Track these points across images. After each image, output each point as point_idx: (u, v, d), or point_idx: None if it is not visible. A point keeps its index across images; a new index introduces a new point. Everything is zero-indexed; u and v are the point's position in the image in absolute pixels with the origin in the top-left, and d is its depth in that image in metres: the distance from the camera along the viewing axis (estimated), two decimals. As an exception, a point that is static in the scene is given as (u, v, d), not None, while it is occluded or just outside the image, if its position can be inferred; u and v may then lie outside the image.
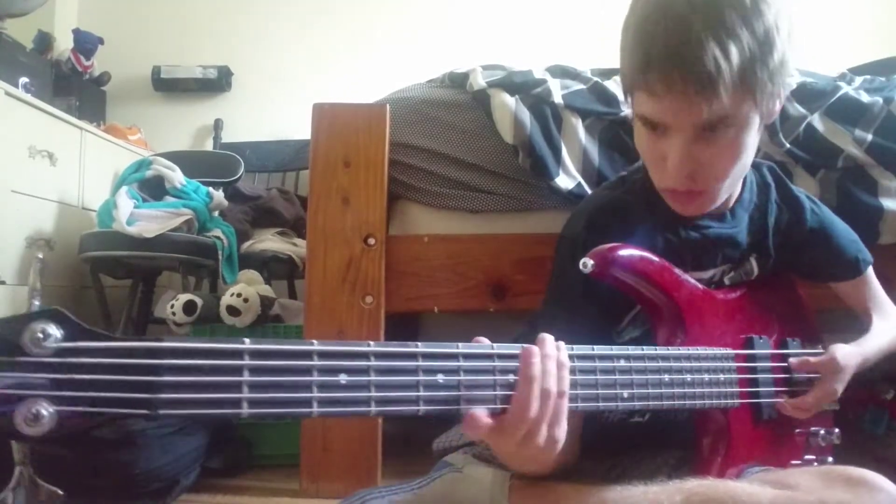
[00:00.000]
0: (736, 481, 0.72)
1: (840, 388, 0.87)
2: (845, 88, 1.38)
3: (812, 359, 0.88)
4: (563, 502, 0.72)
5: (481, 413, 0.54)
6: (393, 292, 1.42)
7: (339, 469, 1.39)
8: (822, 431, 0.92)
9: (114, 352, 0.40)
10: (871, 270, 1.04)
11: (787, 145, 1.33)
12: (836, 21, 2.75)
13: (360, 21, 2.86)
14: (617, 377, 0.67)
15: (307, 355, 0.47)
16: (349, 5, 2.88)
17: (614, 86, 1.45)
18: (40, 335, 0.38)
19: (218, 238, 2.01)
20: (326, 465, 1.39)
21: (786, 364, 0.89)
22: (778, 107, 0.80)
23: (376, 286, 1.40)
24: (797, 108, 1.35)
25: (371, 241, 1.41)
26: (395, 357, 0.51)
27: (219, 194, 2.12)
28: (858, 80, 1.48)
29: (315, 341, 0.48)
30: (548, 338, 0.61)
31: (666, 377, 0.71)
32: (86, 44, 2.61)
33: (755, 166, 0.98)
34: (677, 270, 0.83)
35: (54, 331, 0.38)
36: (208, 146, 2.78)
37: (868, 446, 1.00)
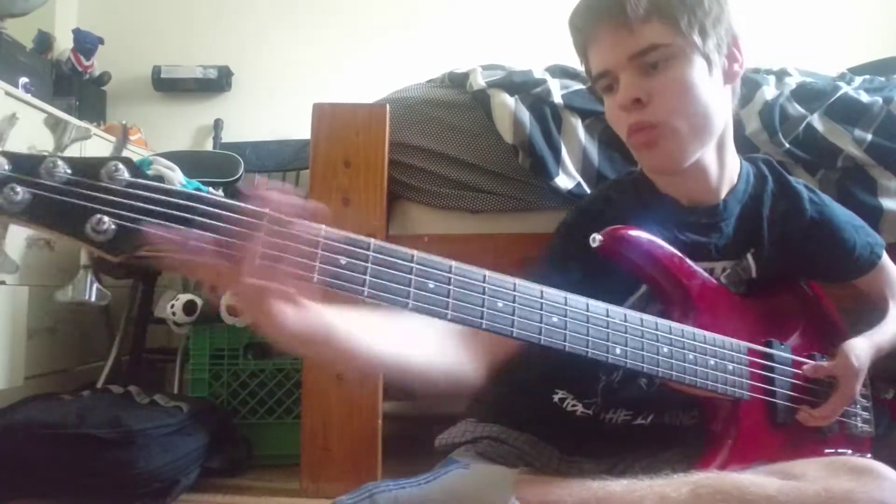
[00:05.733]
0: (742, 473, 0.72)
1: (858, 387, 0.86)
2: (845, 88, 1.38)
3: (826, 364, 0.87)
4: (569, 497, 0.72)
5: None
6: (393, 292, 1.41)
7: (339, 469, 1.39)
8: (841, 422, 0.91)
9: (165, 192, 0.51)
10: (885, 255, 1.01)
11: (787, 145, 1.33)
12: (836, 21, 2.74)
13: (360, 21, 2.86)
14: (609, 331, 0.69)
15: (314, 243, 0.57)
16: (349, 5, 2.88)
17: (614, 86, 1.44)
18: (114, 170, 0.49)
19: (218, 238, 2.01)
20: (326, 465, 1.39)
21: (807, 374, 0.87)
22: (736, 68, 0.84)
23: (376, 286, 1.40)
24: (797, 108, 1.35)
25: (371, 241, 1.40)
26: (392, 253, 0.63)
27: (219, 194, 2.12)
28: (858, 80, 1.48)
29: (323, 226, 0.57)
30: (272, 199, 0.55)
31: (665, 348, 0.72)
32: (86, 44, 2.60)
33: (751, 160, 0.97)
34: (689, 261, 0.82)
35: (124, 170, 0.49)
36: (208, 146, 2.77)
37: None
